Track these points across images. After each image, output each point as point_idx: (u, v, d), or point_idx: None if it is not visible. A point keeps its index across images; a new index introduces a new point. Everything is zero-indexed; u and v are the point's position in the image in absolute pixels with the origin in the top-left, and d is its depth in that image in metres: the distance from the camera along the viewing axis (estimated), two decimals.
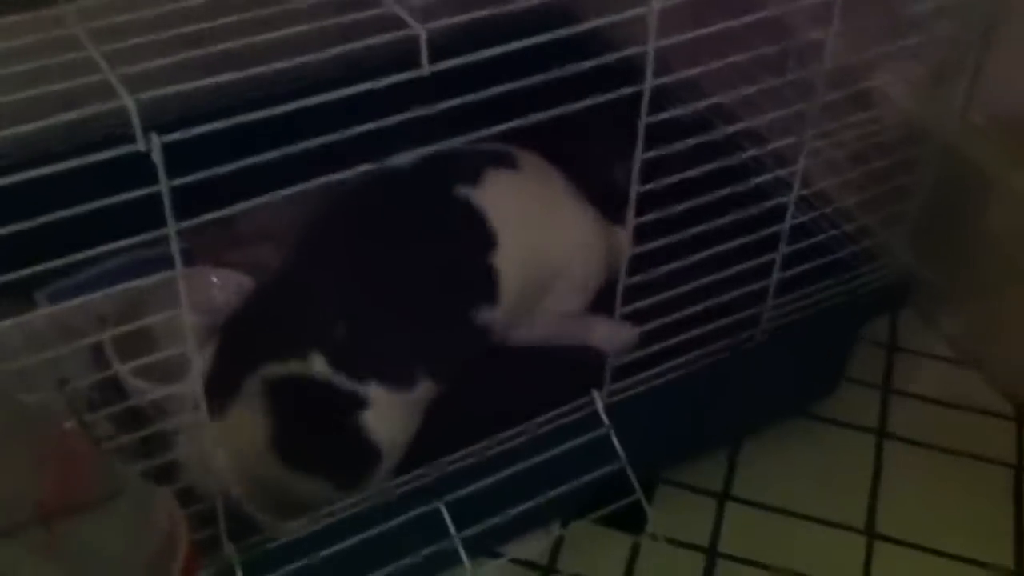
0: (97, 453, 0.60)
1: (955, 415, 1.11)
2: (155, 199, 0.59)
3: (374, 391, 0.85)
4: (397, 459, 0.88)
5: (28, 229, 0.57)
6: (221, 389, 0.84)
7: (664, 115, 0.74)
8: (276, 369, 0.84)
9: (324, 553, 0.78)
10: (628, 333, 0.93)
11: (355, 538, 0.79)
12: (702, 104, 0.80)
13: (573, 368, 0.95)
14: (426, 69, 0.60)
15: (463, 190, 0.92)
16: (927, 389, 1.13)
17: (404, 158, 0.89)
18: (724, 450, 1.05)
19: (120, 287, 0.78)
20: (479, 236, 0.91)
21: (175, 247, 0.62)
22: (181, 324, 1.05)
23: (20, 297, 1.01)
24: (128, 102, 0.53)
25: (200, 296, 1.07)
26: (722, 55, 0.77)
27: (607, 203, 0.99)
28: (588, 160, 1.02)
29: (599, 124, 0.85)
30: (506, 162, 0.96)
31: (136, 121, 0.54)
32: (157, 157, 0.55)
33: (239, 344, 0.87)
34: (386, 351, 0.87)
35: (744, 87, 0.81)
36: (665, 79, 0.73)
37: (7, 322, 0.79)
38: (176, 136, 0.56)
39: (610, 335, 0.96)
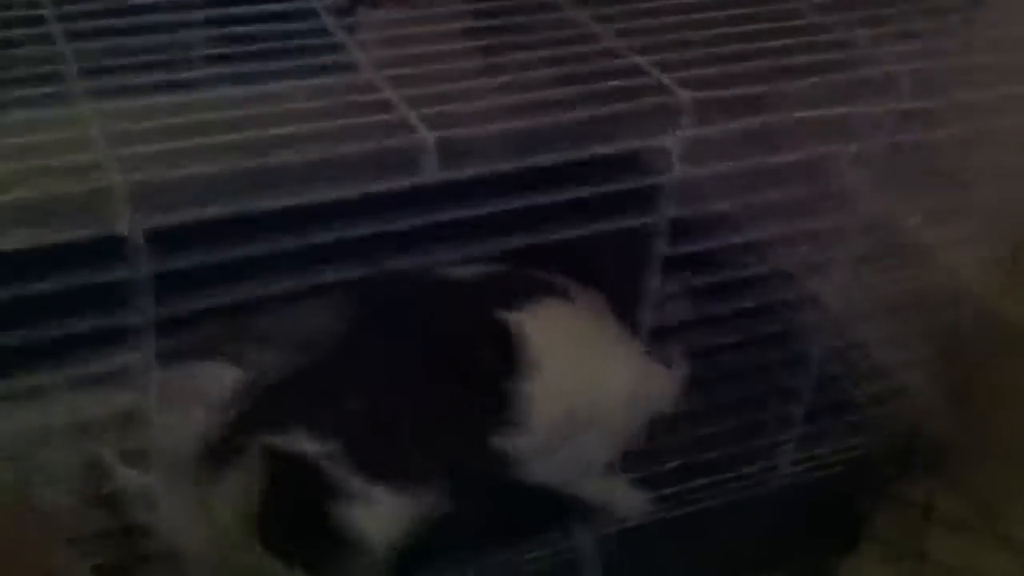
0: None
1: None
2: None
3: (367, 486, 0.82)
4: (382, 565, 0.85)
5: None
6: (222, 453, 0.83)
7: (691, 247, 0.72)
8: (276, 440, 0.82)
9: None
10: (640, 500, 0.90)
11: None
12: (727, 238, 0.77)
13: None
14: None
15: (510, 313, 0.90)
16: (956, 559, 1.06)
17: (463, 271, 0.91)
18: None
19: None
20: (517, 361, 0.89)
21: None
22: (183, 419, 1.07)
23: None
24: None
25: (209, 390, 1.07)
26: (759, 192, 0.75)
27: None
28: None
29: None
30: (560, 293, 0.94)
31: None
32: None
33: (248, 412, 0.86)
34: (392, 452, 0.85)
35: (779, 225, 0.79)
36: (687, 211, 0.71)
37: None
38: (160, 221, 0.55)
39: (625, 499, 0.94)
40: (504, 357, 0.89)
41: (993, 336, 1.03)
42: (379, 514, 0.84)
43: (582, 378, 0.91)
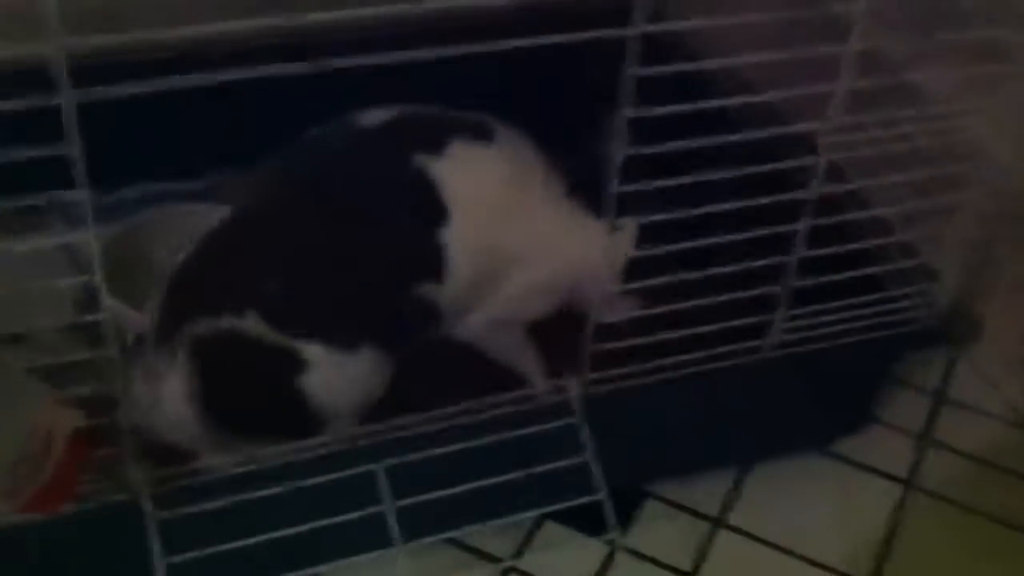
0: None
1: (997, 477, 0.99)
2: None
3: (314, 351, 0.80)
4: (341, 428, 0.82)
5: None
6: (164, 342, 0.80)
7: (654, 70, 0.66)
8: (208, 326, 0.80)
9: (246, 497, 0.73)
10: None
11: (276, 488, 0.73)
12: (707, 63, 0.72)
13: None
14: None
15: (422, 158, 0.86)
16: (971, 446, 1.01)
17: (374, 116, 0.86)
18: (728, 476, 0.96)
19: None
20: (430, 209, 0.85)
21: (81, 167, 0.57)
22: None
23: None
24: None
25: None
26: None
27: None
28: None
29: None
30: (480, 134, 0.89)
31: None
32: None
33: (176, 297, 0.83)
34: (325, 312, 0.82)
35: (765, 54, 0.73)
36: (663, 26, 0.66)
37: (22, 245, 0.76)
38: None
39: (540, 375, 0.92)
40: (423, 204, 0.85)
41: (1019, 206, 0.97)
42: (329, 376, 0.81)
43: (499, 220, 0.87)
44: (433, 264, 0.84)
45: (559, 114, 0.96)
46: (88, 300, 0.64)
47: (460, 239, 0.84)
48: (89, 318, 0.64)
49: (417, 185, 0.84)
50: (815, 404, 0.95)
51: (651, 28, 0.65)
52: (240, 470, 0.75)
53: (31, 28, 0.52)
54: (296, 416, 0.81)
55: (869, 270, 0.89)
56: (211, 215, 1.02)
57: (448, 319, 0.88)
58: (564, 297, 0.92)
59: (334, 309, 0.82)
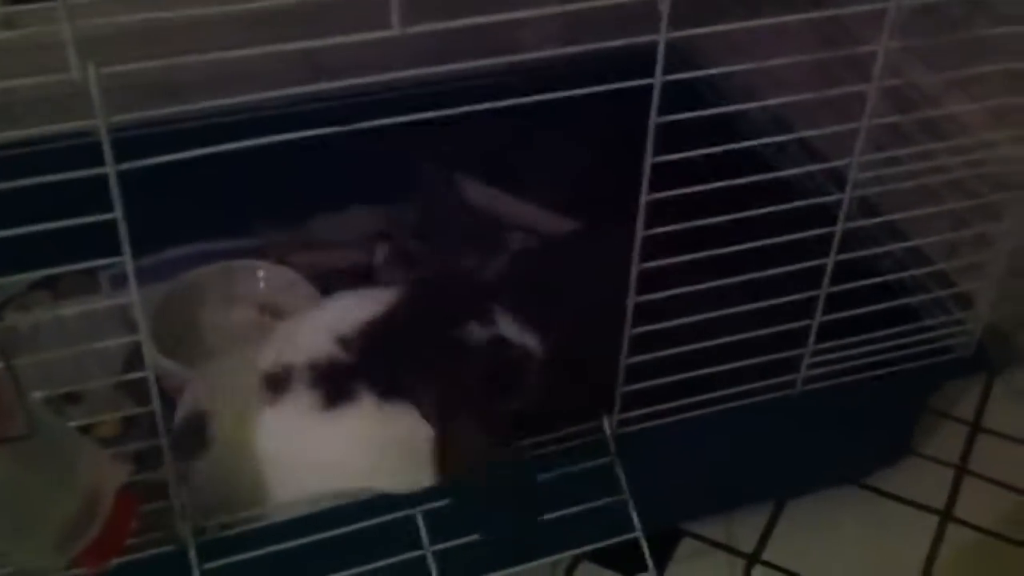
0: (15, 394, 0.57)
1: None
2: None
3: None
4: None
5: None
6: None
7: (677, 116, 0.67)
8: None
9: (289, 545, 0.73)
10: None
11: (318, 535, 0.74)
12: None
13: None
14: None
15: None
16: (1009, 476, 1.01)
17: None
18: (763, 511, 0.96)
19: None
20: None
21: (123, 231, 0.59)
22: (229, 318, 1.08)
23: (84, 275, 1.03)
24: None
25: (247, 288, 1.08)
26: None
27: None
28: None
29: None
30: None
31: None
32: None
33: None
34: None
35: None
36: (688, 75, 0.67)
37: (74, 308, 0.78)
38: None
39: None
40: None
41: None
42: None
43: None
44: None
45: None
46: (137, 359, 0.65)
47: None
48: (131, 376, 0.65)
49: None
50: (851, 437, 0.95)
51: (673, 77, 0.66)
52: (282, 518, 0.76)
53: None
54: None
55: (903, 300, 0.90)
56: (256, 272, 1.05)
57: None
58: None
59: None
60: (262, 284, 1.08)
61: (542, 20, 0.63)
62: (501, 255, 1.01)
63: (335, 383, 0.77)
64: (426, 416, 0.77)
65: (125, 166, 0.57)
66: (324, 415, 0.77)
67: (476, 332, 0.80)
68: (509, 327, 0.80)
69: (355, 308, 0.80)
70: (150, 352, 0.64)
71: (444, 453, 0.76)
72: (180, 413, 0.82)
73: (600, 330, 0.79)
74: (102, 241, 0.59)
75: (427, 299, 0.83)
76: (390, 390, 0.77)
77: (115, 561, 0.64)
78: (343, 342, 0.78)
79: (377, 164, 1.03)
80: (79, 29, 0.52)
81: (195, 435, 0.79)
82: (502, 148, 0.91)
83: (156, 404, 0.66)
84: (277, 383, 0.78)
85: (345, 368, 0.77)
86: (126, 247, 0.59)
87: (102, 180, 0.57)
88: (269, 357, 0.80)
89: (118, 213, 0.57)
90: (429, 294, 0.83)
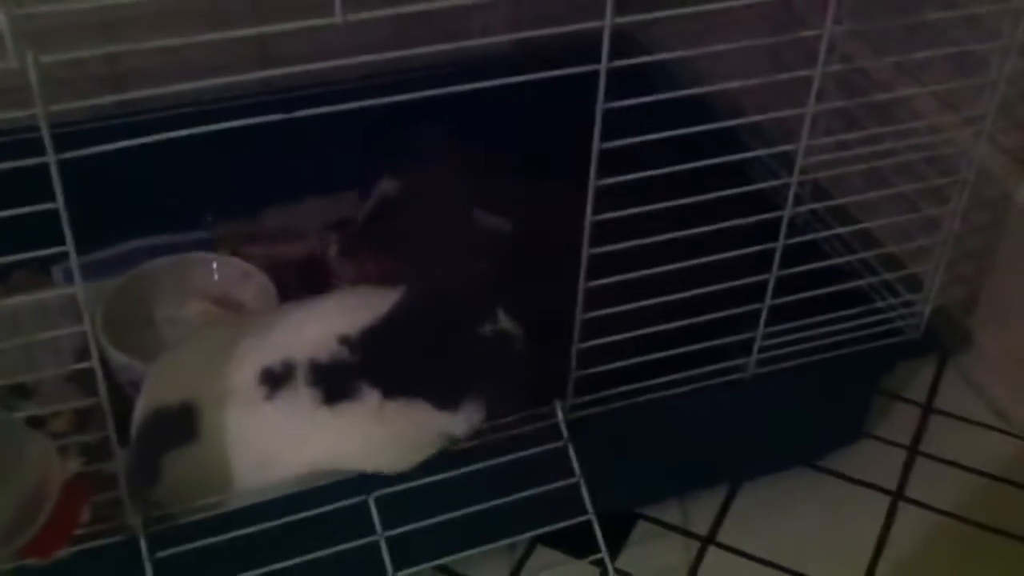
0: None
1: (989, 486, 1.00)
2: None
3: None
4: None
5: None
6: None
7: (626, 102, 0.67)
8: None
9: (240, 533, 0.73)
10: None
11: (270, 522, 0.74)
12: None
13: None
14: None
15: None
16: (961, 456, 1.02)
17: None
18: (718, 494, 0.97)
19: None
20: None
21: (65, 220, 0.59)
22: (183, 311, 1.07)
23: (36, 269, 1.02)
24: None
25: (201, 281, 1.07)
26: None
27: None
28: None
29: None
30: None
31: None
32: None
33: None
34: None
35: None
36: (632, 61, 0.67)
37: (25, 298, 0.77)
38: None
39: None
40: None
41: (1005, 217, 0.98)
42: None
43: None
44: None
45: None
46: (88, 352, 0.65)
47: None
48: (79, 366, 0.65)
49: None
50: (803, 419, 0.96)
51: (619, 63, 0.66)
52: (233, 507, 0.76)
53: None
54: None
55: (854, 284, 0.91)
56: (210, 264, 1.04)
57: None
58: None
59: None
60: (216, 276, 1.07)
61: (488, 9, 0.63)
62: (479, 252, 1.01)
63: (336, 381, 0.77)
64: None
65: (67, 155, 0.57)
66: (322, 412, 0.77)
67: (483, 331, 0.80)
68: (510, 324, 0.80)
69: (359, 308, 0.81)
70: (94, 340, 0.63)
71: None
72: (145, 404, 0.82)
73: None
74: (56, 236, 0.59)
75: (431, 300, 0.82)
76: (392, 389, 0.77)
77: (65, 551, 0.64)
78: (346, 341, 0.78)
79: (330, 155, 1.03)
80: (26, 21, 0.52)
81: (177, 426, 0.78)
82: (456, 137, 0.90)
83: (103, 393, 0.66)
84: (275, 379, 0.78)
85: (347, 367, 0.77)
86: (69, 236, 0.59)
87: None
88: (268, 353, 0.80)
89: (59, 203, 0.57)
90: (433, 295, 0.82)
